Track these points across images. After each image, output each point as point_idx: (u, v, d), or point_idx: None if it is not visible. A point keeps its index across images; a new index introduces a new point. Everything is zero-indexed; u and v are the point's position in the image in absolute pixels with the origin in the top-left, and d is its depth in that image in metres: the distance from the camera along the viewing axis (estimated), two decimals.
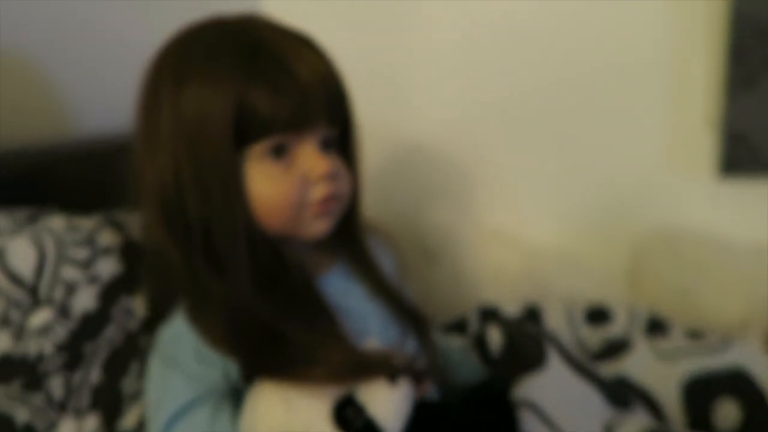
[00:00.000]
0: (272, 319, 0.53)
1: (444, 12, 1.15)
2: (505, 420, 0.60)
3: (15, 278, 0.53)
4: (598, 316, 0.97)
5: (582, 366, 0.74)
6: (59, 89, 0.83)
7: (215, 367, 0.53)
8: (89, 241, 0.59)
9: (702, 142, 1.07)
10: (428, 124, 1.22)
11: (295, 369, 0.50)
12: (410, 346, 0.65)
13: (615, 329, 0.95)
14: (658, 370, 0.82)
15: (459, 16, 1.15)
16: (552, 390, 0.67)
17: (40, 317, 0.53)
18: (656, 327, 0.93)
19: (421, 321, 0.67)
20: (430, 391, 0.61)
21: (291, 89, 0.53)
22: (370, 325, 0.62)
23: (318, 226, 0.59)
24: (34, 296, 0.53)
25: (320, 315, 0.56)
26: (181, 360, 0.54)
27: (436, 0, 1.15)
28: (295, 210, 0.56)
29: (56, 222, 0.59)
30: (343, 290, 0.63)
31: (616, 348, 0.88)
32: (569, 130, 1.14)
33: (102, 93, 0.81)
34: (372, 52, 1.21)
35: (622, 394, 0.73)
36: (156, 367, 0.55)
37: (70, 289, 0.55)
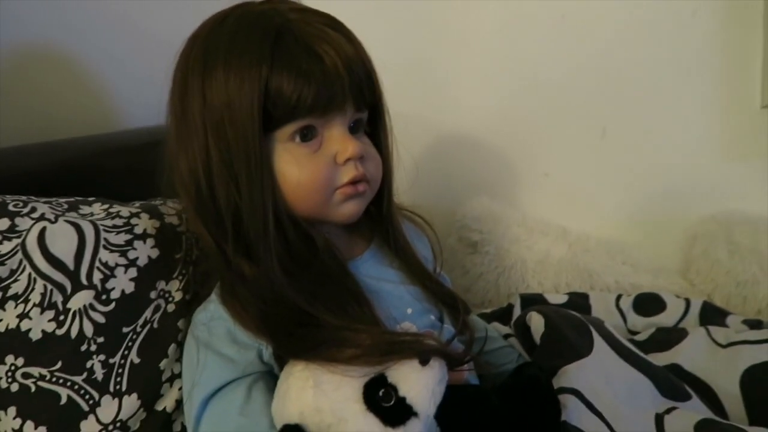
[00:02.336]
0: (303, 302, 0.53)
1: (485, 2, 1.13)
2: (547, 406, 0.57)
3: (56, 262, 0.55)
4: (649, 305, 0.93)
5: (631, 354, 0.71)
6: (101, 84, 0.86)
7: (249, 348, 0.54)
8: (127, 227, 0.60)
9: (756, 127, 1.01)
10: (469, 114, 1.21)
11: (326, 351, 0.49)
12: (447, 332, 0.63)
13: (668, 318, 0.91)
14: (716, 361, 0.77)
15: (500, 7, 1.13)
16: (597, 377, 0.65)
17: (80, 299, 0.55)
18: (712, 316, 0.88)
19: (457, 306, 0.65)
20: (466, 375, 0.60)
21: (316, 72, 0.53)
22: (404, 309, 0.61)
23: (348, 209, 0.58)
24: (75, 279, 0.55)
25: (352, 298, 0.56)
26: (215, 342, 0.54)
27: None
28: (323, 192, 0.56)
29: (95, 209, 0.61)
30: (376, 274, 0.62)
31: (669, 337, 0.84)
32: (616, 117, 1.11)
33: (142, 87, 0.83)
34: (411, 43, 1.21)
35: (676, 384, 0.70)
36: (191, 349, 0.56)
37: (109, 272, 0.56)
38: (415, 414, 0.47)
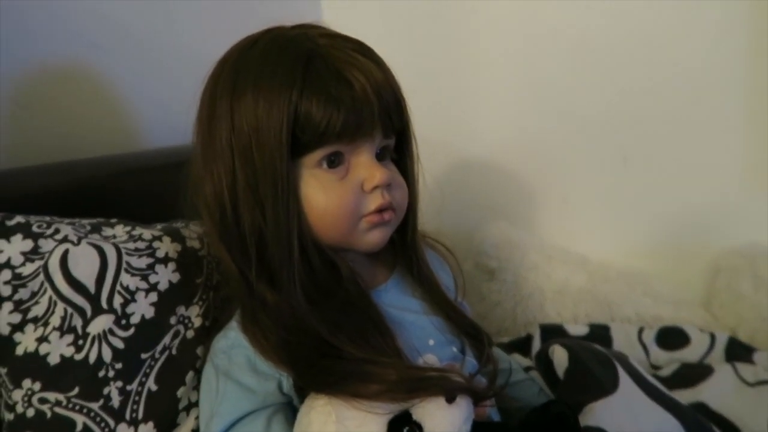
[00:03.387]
0: (325, 332, 0.52)
1: (503, 27, 1.13)
2: None
3: (77, 285, 0.54)
4: (672, 338, 0.91)
5: (657, 392, 0.69)
6: (125, 104, 0.86)
7: (269, 378, 0.53)
8: (149, 250, 0.59)
9: None
10: (488, 138, 1.20)
11: (349, 384, 0.48)
12: (469, 364, 0.62)
13: (692, 353, 0.89)
14: (743, 400, 0.75)
15: (518, 31, 1.12)
16: (625, 416, 0.63)
17: (100, 324, 0.54)
18: (739, 352, 0.86)
19: (480, 338, 0.64)
20: (490, 411, 0.58)
21: (345, 98, 0.52)
22: (426, 340, 0.60)
23: (373, 237, 0.57)
24: (95, 303, 0.54)
25: (374, 329, 0.54)
26: (235, 371, 0.53)
27: (495, 15, 1.13)
28: (349, 220, 0.55)
29: (118, 231, 0.60)
30: (399, 303, 0.61)
31: (694, 373, 0.82)
32: (638, 144, 1.09)
33: (166, 107, 0.83)
34: (432, 68, 1.20)
35: (704, 426, 0.67)
36: (210, 378, 0.55)
37: (129, 296, 0.56)
38: None
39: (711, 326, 0.98)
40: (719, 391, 0.77)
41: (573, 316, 1.04)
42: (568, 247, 1.13)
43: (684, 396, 0.77)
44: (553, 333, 0.92)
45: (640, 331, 0.92)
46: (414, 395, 0.47)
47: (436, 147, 1.18)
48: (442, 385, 0.48)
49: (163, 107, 0.85)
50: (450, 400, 0.47)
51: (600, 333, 0.93)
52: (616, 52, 1.07)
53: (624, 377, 0.68)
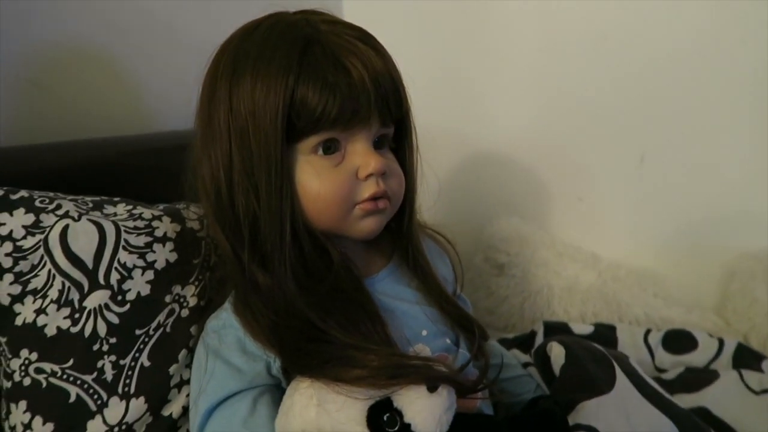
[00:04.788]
0: (314, 317, 0.52)
1: (524, 22, 1.12)
2: None
3: (76, 260, 0.55)
4: (680, 342, 0.90)
5: (655, 393, 0.68)
6: (138, 84, 0.88)
7: (258, 360, 0.53)
8: (148, 229, 0.60)
9: None
10: (504, 131, 1.19)
11: (332, 369, 0.48)
12: (462, 356, 0.61)
13: (699, 358, 0.87)
14: (747, 408, 0.74)
15: (538, 26, 1.11)
16: (617, 416, 0.62)
17: (96, 299, 0.55)
18: (747, 359, 0.84)
19: (475, 331, 0.63)
20: (478, 404, 0.58)
21: (342, 85, 0.52)
22: (419, 330, 0.60)
23: (366, 225, 0.57)
24: (92, 278, 0.56)
25: (365, 316, 0.55)
26: (225, 351, 0.54)
27: (516, 9, 1.11)
28: (343, 207, 0.55)
29: (119, 209, 0.61)
30: (392, 292, 0.61)
31: (698, 378, 0.80)
32: (655, 143, 1.07)
33: (177, 89, 0.84)
34: (448, 60, 1.20)
35: (702, 430, 0.66)
36: (201, 356, 0.56)
37: (126, 273, 0.57)
38: None
39: (722, 331, 0.96)
40: (722, 397, 0.75)
41: (581, 314, 1.02)
42: (580, 245, 1.12)
43: (686, 400, 0.75)
44: (557, 331, 0.91)
45: (647, 333, 0.91)
46: (395, 382, 0.47)
47: (450, 137, 1.18)
48: (425, 374, 0.48)
49: (173, 89, 0.86)
50: (432, 389, 0.47)
51: (605, 333, 0.92)
52: (637, 50, 1.04)
53: (621, 377, 0.67)
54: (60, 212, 0.57)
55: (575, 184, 1.16)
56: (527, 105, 1.16)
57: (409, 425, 0.46)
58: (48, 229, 0.55)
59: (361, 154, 0.55)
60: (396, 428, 0.46)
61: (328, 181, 0.55)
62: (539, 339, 0.90)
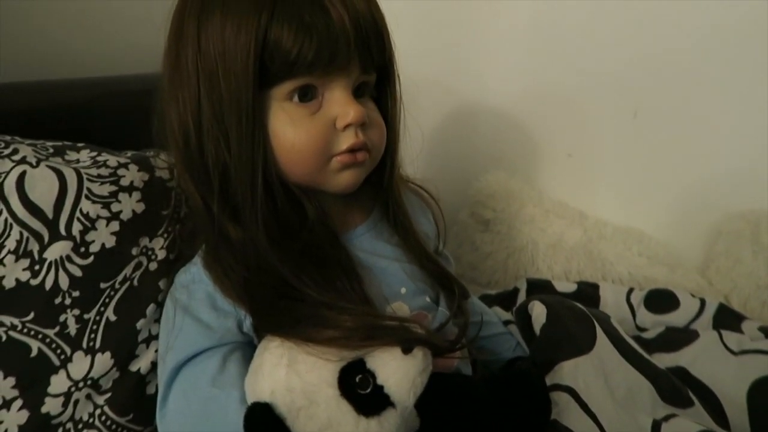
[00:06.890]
0: (287, 273, 0.50)
1: None
2: (536, 403, 0.54)
3: (34, 209, 0.52)
4: (661, 301, 0.89)
5: (635, 354, 0.67)
6: (102, 26, 0.82)
7: (228, 316, 0.51)
8: (113, 177, 0.57)
9: None
10: (496, 88, 1.16)
11: (303, 329, 0.46)
12: (442, 314, 0.60)
13: (680, 318, 0.86)
14: (725, 368, 0.73)
15: None
16: (596, 377, 0.61)
17: (57, 250, 0.52)
18: (727, 319, 0.84)
19: (454, 289, 0.62)
20: (456, 363, 0.57)
21: (320, 26, 0.48)
22: (397, 288, 0.58)
23: (344, 179, 0.54)
24: (53, 229, 0.53)
25: (341, 272, 0.53)
26: (194, 306, 0.52)
27: None
28: (319, 158, 0.52)
29: (83, 155, 0.58)
30: (371, 249, 0.59)
31: (678, 338, 0.80)
32: (649, 97, 1.04)
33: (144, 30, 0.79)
34: (436, 5, 1.14)
35: (679, 389, 0.66)
36: (169, 311, 0.54)
37: (89, 224, 0.54)
38: (392, 404, 0.45)
39: (704, 291, 0.96)
40: (701, 357, 0.74)
41: (565, 271, 1.01)
42: (568, 203, 1.10)
43: (665, 360, 0.75)
44: (540, 288, 0.90)
45: (630, 292, 0.90)
46: (369, 344, 0.46)
47: (438, 90, 1.14)
48: (399, 336, 0.46)
49: (140, 30, 0.81)
50: (406, 350, 0.46)
51: (588, 291, 0.91)
52: (632, 4, 1.00)
53: (602, 337, 0.66)
54: (16, 157, 0.53)
55: (565, 139, 1.13)
56: (520, 59, 1.12)
57: (381, 387, 0.45)
58: (3, 175, 0.52)
59: (340, 103, 0.52)
60: (368, 390, 0.45)
61: (304, 130, 0.51)
62: (522, 296, 0.89)
